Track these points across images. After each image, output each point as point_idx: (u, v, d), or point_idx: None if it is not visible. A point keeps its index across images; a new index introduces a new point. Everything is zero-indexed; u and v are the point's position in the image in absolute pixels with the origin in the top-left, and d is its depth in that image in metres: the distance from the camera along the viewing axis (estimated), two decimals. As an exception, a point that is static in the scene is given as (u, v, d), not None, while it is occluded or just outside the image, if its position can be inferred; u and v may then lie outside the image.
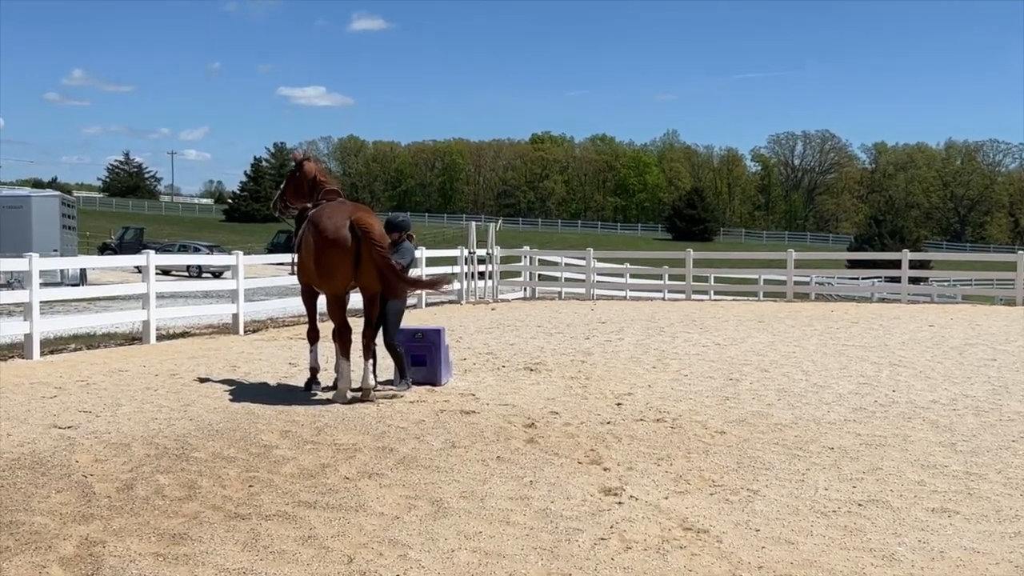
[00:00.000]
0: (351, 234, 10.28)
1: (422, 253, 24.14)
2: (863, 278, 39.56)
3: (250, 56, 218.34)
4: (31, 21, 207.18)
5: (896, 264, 29.41)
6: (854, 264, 52.20)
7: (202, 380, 11.76)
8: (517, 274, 31.53)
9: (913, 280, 32.02)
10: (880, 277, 37.52)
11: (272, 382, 11.69)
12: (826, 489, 7.14)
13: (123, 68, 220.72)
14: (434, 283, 11.79)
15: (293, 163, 11.95)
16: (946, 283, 42.69)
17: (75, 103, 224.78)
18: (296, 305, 20.29)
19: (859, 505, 6.74)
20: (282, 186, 12.00)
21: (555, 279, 32.08)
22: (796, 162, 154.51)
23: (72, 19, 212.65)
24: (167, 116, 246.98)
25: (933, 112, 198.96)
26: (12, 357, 13.85)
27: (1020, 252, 27.70)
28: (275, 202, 12.03)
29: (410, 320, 14.57)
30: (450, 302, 26.04)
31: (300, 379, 11.67)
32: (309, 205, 11.39)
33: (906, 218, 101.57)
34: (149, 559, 5.55)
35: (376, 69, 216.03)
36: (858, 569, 5.50)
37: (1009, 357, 14.31)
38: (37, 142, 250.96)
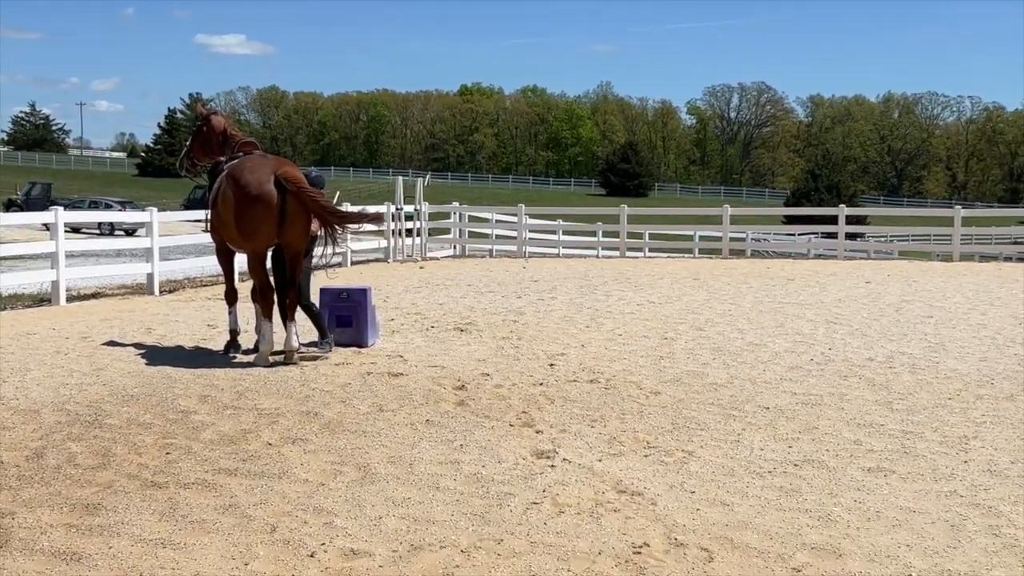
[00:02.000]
0: (276, 189, 10.14)
1: (347, 208, 23.93)
2: (799, 234, 40.00)
3: (165, 1, 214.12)
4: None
5: (833, 220, 29.83)
6: (790, 220, 52.76)
7: (115, 343, 11.58)
8: (446, 231, 31.45)
9: (850, 236, 32.47)
10: (817, 233, 37.97)
11: (189, 345, 11.55)
12: (761, 449, 7.24)
13: (29, 14, 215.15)
14: (377, 216, 11.66)
15: (199, 119, 11.75)
16: (883, 239, 43.37)
17: None
18: (214, 264, 20.04)
19: (795, 465, 6.85)
20: (188, 143, 11.80)
21: (486, 236, 32.10)
22: (732, 115, 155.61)
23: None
24: (77, 65, 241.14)
25: (871, 64, 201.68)
26: (-89, 320, 13.51)
27: (957, 207, 28.26)
28: (181, 160, 11.82)
29: (335, 280, 14.45)
30: (376, 260, 25.92)
31: (219, 342, 11.54)
32: (223, 160, 11.21)
33: (843, 172, 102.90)
34: (61, 530, 5.47)
35: (298, 15, 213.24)
36: (794, 530, 5.60)
37: (946, 314, 14.61)
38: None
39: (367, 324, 11.47)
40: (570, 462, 6.86)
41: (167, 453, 6.99)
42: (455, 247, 30.37)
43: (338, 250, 10.66)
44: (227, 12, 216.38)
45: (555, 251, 31.78)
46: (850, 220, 30.83)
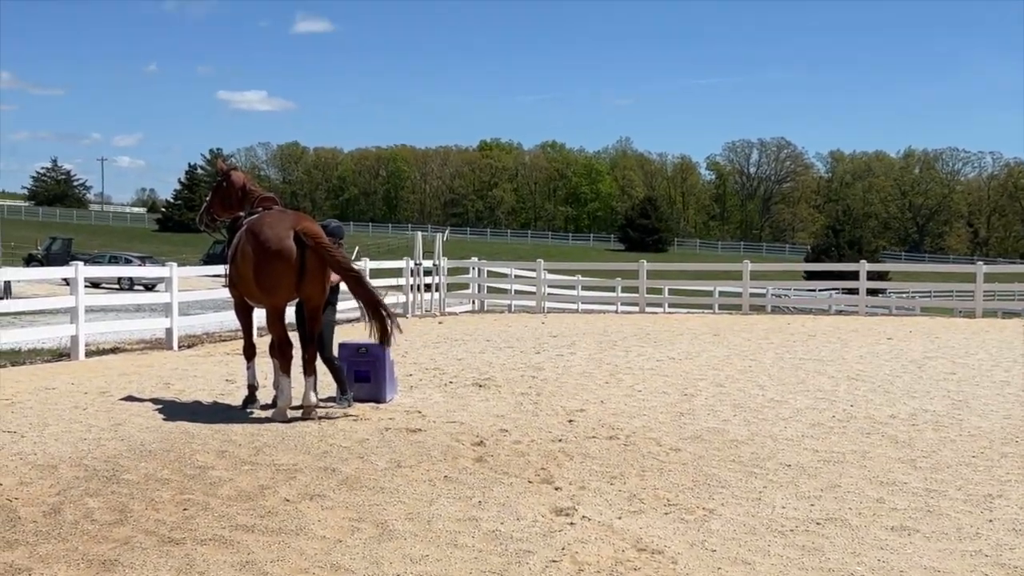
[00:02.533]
0: (296, 244, 10.22)
1: (365, 264, 24.10)
2: (820, 290, 39.96)
3: (188, 58, 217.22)
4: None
5: (854, 275, 29.78)
6: (811, 275, 52.71)
7: (134, 398, 11.62)
8: (465, 286, 31.53)
9: (871, 292, 32.41)
10: (837, 289, 37.93)
11: (208, 400, 11.58)
12: (783, 507, 7.20)
13: (53, 70, 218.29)
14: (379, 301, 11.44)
15: (219, 175, 11.87)
16: (904, 295, 43.27)
17: (5, 107, 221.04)
18: (233, 319, 20.13)
19: (817, 524, 6.80)
20: (208, 198, 11.91)
21: (504, 291, 32.13)
22: (752, 170, 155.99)
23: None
24: (99, 121, 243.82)
25: (892, 120, 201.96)
26: (-69, 375, 13.59)
27: (979, 263, 28.20)
28: (200, 215, 11.91)
29: (353, 334, 14.48)
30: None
31: (237, 397, 11.56)
32: (242, 215, 11.31)
33: (864, 228, 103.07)
34: (77, 587, 5.47)
35: (319, 73, 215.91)
36: (816, 590, 5.55)
37: (969, 371, 14.53)
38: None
39: (385, 379, 11.48)
40: (589, 519, 6.83)
41: (184, 509, 6.99)
42: (474, 302, 30.42)
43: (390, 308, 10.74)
44: (248, 69, 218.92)
45: (574, 306, 31.81)
46: (871, 276, 30.79)
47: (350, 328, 22.02)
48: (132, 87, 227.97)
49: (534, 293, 30.33)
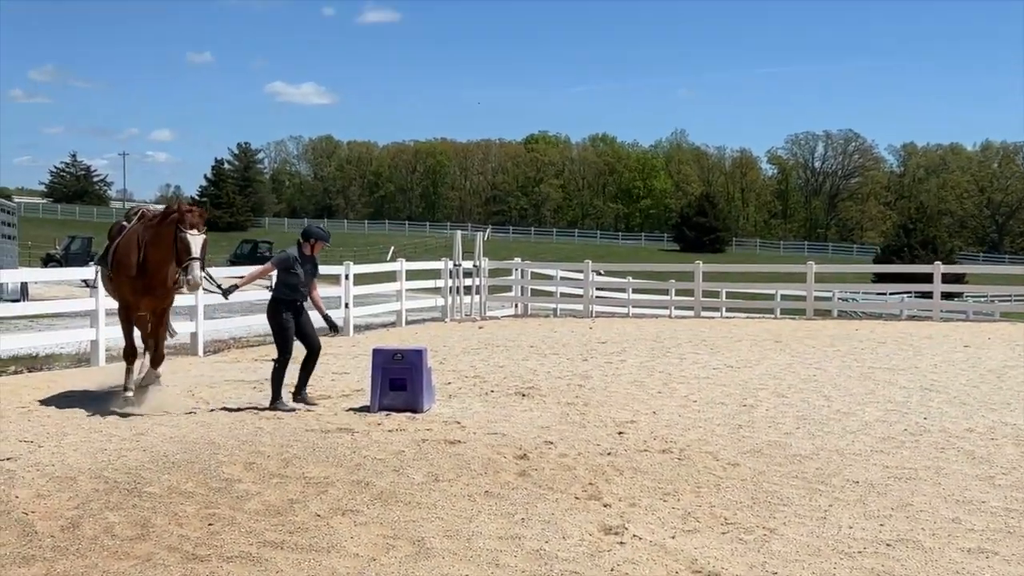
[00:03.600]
0: None
1: (401, 266, 24.36)
2: (891, 293, 39.62)
3: (244, 51, 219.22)
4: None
5: (927, 278, 29.52)
6: (881, 278, 52.36)
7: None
8: (507, 289, 31.55)
9: (946, 296, 32.11)
10: (910, 292, 37.63)
11: (234, 408, 11.67)
12: (850, 527, 7.14)
13: (97, 63, 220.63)
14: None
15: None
16: (983, 299, 42.78)
17: (43, 100, 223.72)
18: (261, 323, 20.27)
19: (887, 545, 6.74)
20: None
21: (549, 294, 32.12)
22: (816, 165, 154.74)
23: (47, 15, 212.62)
24: (138, 116, 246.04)
25: (967, 111, 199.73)
26: (-56, 381, 13.79)
27: (1064, 264, 27.78)
28: None
29: (389, 339, 14.54)
30: (433, 320, 26.05)
31: (267, 404, 11.65)
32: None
33: (938, 227, 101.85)
34: (97, 606, 5.52)
35: (357, 62, 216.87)
36: (886, 616, 5.50)
37: (1053, 381, 14.35)
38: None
39: (422, 388, 11.51)
40: (641, 539, 6.81)
41: (209, 524, 7.05)
42: (517, 306, 30.43)
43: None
44: (304, 61, 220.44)
45: (624, 310, 31.73)
46: (946, 278, 30.52)
47: (385, 333, 22.13)
48: (179, 81, 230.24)
49: (581, 296, 30.31)
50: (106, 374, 14.69)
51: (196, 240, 11.11)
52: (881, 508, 7.65)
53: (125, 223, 12.19)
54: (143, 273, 11.49)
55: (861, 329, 23.67)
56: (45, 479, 8.25)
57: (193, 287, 11.40)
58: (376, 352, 11.73)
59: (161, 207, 12.10)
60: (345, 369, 15.28)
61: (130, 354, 12.02)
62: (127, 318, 12.02)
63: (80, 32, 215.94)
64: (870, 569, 6.26)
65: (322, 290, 12.49)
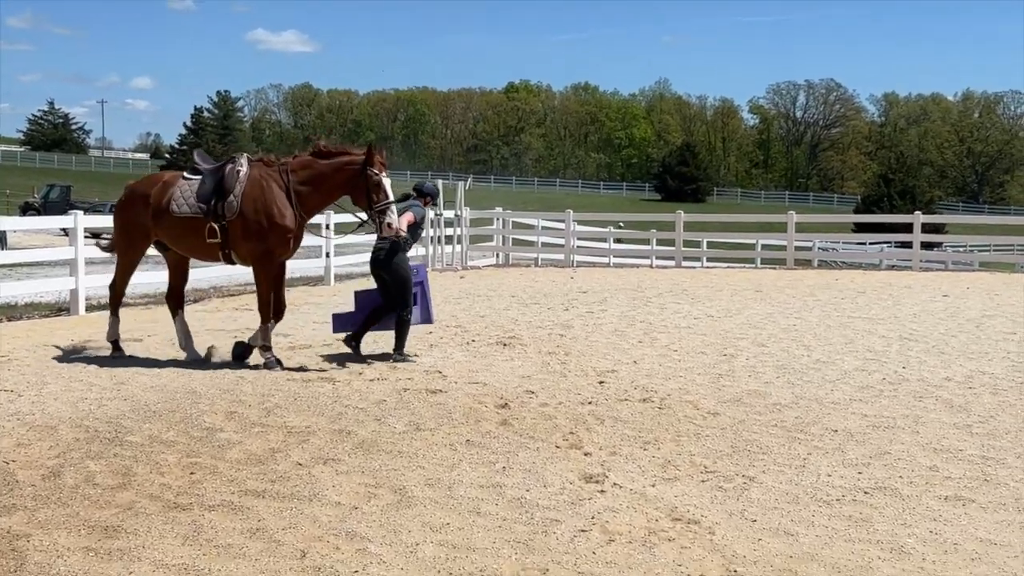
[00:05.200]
0: None
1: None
2: (871, 243, 39.73)
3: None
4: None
5: (907, 228, 29.58)
6: (861, 228, 52.49)
7: (137, 356, 11.70)
8: (489, 238, 31.53)
9: (926, 245, 32.19)
10: (890, 242, 37.70)
11: (216, 358, 11.64)
12: (829, 475, 7.19)
13: (79, 11, 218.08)
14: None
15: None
16: (962, 249, 42.95)
17: (21, 47, 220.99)
18: (242, 272, 20.20)
19: (865, 493, 6.80)
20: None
21: (531, 244, 32.10)
22: (798, 115, 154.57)
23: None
24: (118, 63, 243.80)
25: (949, 60, 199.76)
26: (-77, 330, 13.72)
27: (1043, 215, 27.88)
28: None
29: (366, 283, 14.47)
30: (414, 269, 25.98)
31: (248, 356, 11.62)
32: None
33: (918, 177, 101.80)
34: (79, 554, 5.53)
35: (346, 12, 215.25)
36: (864, 563, 5.55)
37: (1030, 330, 14.43)
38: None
39: (430, 301, 12.34)
40: (621, 487, 6.85)
41: (191, 473, 7.05)
42: (498, 255, 30.42)
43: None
44: (284, 7, 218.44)
45: (605, 260, 31.74)
46: (926, 228, 30.60)
47: (366, 281, 22.11)
48: (160, 28, 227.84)
49: (563, 246, 30.30)
50: (87, 323, 14.65)
51: (387, 182, 11.03)
52: (859, 456, 7.71)
53: (201, 169, 11.48)
54: (296, 221, 11.17)
55: (841, 279, 23.73)
56: (25, 428, 8.23)
57: (390, 231, 11.05)
58: (419, 270, 12.21)
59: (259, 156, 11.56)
60: (326, 318, 15.26)
61: (271, 312, 11.35)
62: (270, 271, 11.34)
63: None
64: (848, 516, 6.31)
65: (304, 240, 12.42)
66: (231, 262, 11.52)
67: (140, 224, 11.58)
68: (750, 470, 7.31)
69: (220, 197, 11.08)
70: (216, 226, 11.03)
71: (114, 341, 11.84)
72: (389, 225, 10.91)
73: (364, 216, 11.28)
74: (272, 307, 11.30)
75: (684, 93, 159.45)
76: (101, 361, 11.32)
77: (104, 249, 13.06)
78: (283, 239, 11.16)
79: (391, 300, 11.58)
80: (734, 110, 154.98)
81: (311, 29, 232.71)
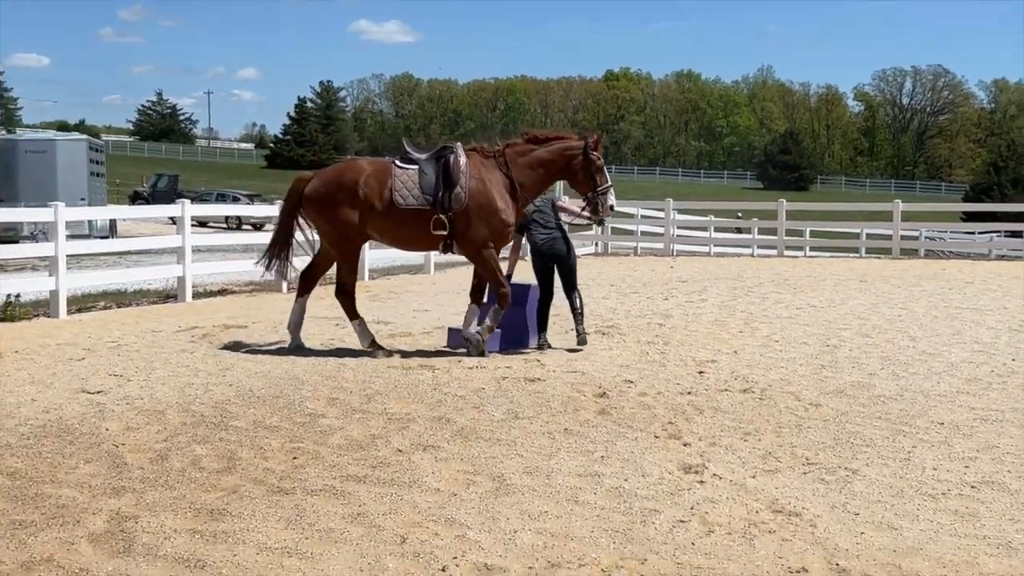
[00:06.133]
0: None
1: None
2: (980, 232, 38.84)
3: None
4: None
5: (1018, 217, 28.87)
6: (970, 217, 51.36)
7: (241, 342, 11.90)
8: (587, 227, 31.45)
9: (1037, 235, 31.37)
10: (999, 232, 36.81)
11: (318, 345, 11.81)
12: (935, 469, 7.06)
13: (188, 3, 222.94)
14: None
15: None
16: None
17: (132, 40, 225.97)
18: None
19: (972, 487, 6.66)
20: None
21: (630, 233, 31.97)
22: (904, 101, 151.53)
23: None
24: (224, 54, 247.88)
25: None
26: (37, 315, 14.13)
27: None
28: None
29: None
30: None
31: (349, 342, 11.77)
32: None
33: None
34: (185, 536, 5.65)
35: (447, 1, 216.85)
36: (970, 558, 5.44)
37: None
38: (86, 81, 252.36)
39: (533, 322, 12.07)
40: (721, 478, 6.80)
41: (294, 458, 7.16)
42: (597, 244, 30.34)
43: None
44: None
45: (706, 249, 31.51)
46: (1038, 217, 29.79)
47: (466, 271, 22.20)
48: (265, 18, 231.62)
49: (662, 235, 30.12)
50: (194, 310, 14.95)
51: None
52: (966, 450, 7.55)
53: (417, 159, 11.43)
54: (516, 209, 11.52)
55: (948, 269, 23.27)
56: (134, 412, 8.43)
57: (610, 212, 12.05)
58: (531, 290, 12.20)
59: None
60: (426, 307, 15.39)
61: (483, 296, 11.74)
62: (494, 258, 11.55)
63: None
64: (954, 511, 6.19)
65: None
66: (448, 251, 11.67)
67: (349, 218, 11.24)
68: (853, 462, 7.20)
69: (446, 188, 11.15)
70: (444, 218, 11.13)
71: (370, 341, 11.42)
72: (612, 207, 11.67)
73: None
74: (474, 291, 11.68)
75: (787, 80, 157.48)
76: (207, 347, 11.54)
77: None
78: (506, 228, 11.47)
79: (550, 288, 12.13)
80: (838, 97, 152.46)
81: (413, 19, 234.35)
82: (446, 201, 11.08)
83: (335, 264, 11.84)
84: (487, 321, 11.32)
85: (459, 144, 11.60)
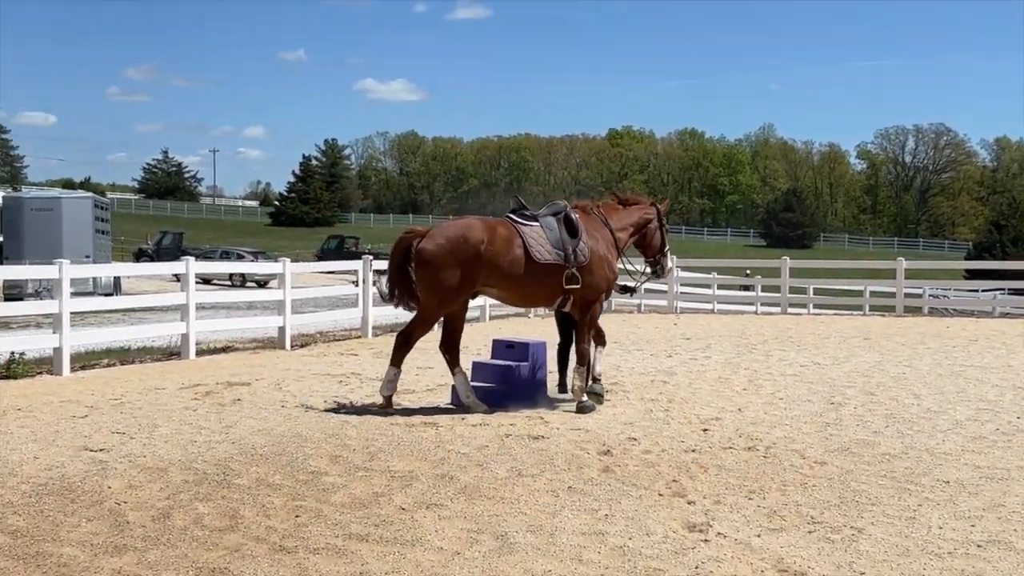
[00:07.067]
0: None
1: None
2: (983, 290, 38.85)
3: (338, 48, 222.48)
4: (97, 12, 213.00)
5: (1021, 275, 28.89)
6: (973, 274, 51.31)
7: (245, 400, 11.89)
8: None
9: (1041, 292, 31.40)
10: (1003, 289, 36.82)
11: (321, 402, 11.79)
12: (940, 528, 7.03)
13: (196, 63, 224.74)
14: None
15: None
16: (1079, 296, 41.81)
17: (138, 99, 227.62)
18: (348, 318, 20.46)
19: (978, 546, 6.63)
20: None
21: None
22: (907, 159, 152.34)
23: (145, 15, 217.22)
24: (233, 113, 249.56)
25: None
26: (40, 373, 14.13)
27: None
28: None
29: (474, 335, 14.60)
30: (516, 315, 26.07)
31: (352, 399, 11.76)
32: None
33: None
34: (186, 595, 5.61)
35: (453, 61, 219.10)
36: (977, 619, 5.41)
37: None
38: (92, 139, 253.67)
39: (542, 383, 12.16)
40: (725, 536, 6.77)
41: (296, 516, 7.13)
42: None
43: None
44: (395, 58, 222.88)
45: (709, 306, 31.52)
46: (1041, 275, 29.81)
47: (468, 328, 22.22)
48: (273, 79, 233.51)
49: (666, 292, 30.16)
50: (197, 367, 14.95)
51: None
52: (972, 508, 7.52)
53: (538, 216, 11.71)
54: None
55: (952, 327, 23.26)
56: (137, 470, 8.40)
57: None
58: (495, 342, 12.38)
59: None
60: (429, 364, 15.39)
61: (602, 339, 12.32)
62: (597, 312, 12.03)
63: (177, 31, 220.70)
64: (960, 570, 6.15)
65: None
66: (562, 308, 11.91)
67: (468, 273, 11.09)
68: (858, 521, 7.17)
69: (572, 243, 11.52)
70: (575, 272, 11.43)
71: (387, 396, 11.37)
72: (669, 271, 12.75)
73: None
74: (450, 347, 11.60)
75: (790, 138, 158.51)
76: (210, 404, 11.53)
77: (384, 296, 12.00)
78: (612, 282, 12.07)
79: (569, 335, 12.60)
80: (841, 155, 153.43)
81: (418, 79, 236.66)
82: (573, 256, 11.40)
83: (410, 318, 11.74)
84: (576, 382, 11.50)
85: (565, 202, 12.11)
